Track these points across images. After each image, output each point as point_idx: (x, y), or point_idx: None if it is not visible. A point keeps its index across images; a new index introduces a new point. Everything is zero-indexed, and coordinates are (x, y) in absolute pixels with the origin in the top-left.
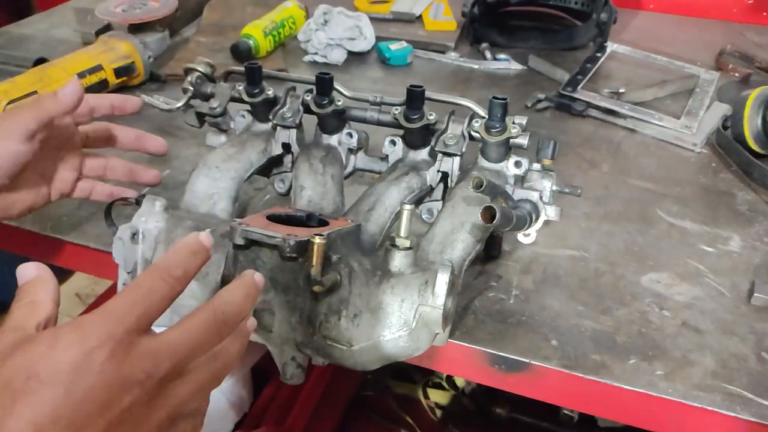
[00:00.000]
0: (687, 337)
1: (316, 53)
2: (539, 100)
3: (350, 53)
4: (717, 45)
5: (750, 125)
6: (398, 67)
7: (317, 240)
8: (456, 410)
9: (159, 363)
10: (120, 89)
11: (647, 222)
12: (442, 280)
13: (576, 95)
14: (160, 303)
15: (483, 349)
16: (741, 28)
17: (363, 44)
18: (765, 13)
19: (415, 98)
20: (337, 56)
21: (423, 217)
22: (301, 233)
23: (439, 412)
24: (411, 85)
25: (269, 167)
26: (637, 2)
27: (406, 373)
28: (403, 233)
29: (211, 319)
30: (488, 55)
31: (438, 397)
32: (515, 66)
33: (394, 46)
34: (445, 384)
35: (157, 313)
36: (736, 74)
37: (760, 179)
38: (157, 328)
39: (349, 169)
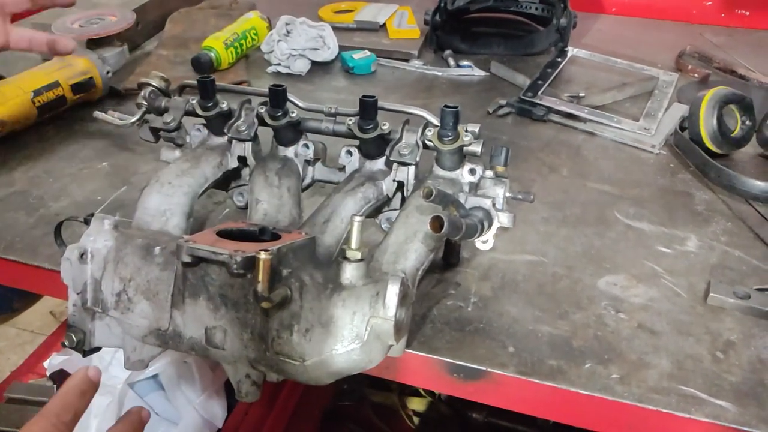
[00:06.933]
0: (643, 339)
1: (279, 64)
2: (501, 106)
3: (314, 63)
4: (677, 46)
5: (706, 125)
6: (362, 76)
7: (263, 255)
8: (433, 417)
9: None
10: (79, 105)
11: (605, 225)
12: (393, 291)
13: (536, 100)
14: None
15: (441, 358)
16: (700, 29)
17: (326, 54)
18: (723, 14)
19: (367, 108)
20: (301, 66)
21: (382, 226)
22: (250, 248)
23: (416, 420)
24: (363, 96)
25: (228, 181)
26: (600, 6)
27: (383, 382)
28: (353, 245)
29: None
30: (451, 62)
31: (415, 404)
32: (478, 72)
33: (357, 56)
34: (422, 391)
35: None
36: (696, 75)
37: (717, 178)
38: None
39: (308, 180)
